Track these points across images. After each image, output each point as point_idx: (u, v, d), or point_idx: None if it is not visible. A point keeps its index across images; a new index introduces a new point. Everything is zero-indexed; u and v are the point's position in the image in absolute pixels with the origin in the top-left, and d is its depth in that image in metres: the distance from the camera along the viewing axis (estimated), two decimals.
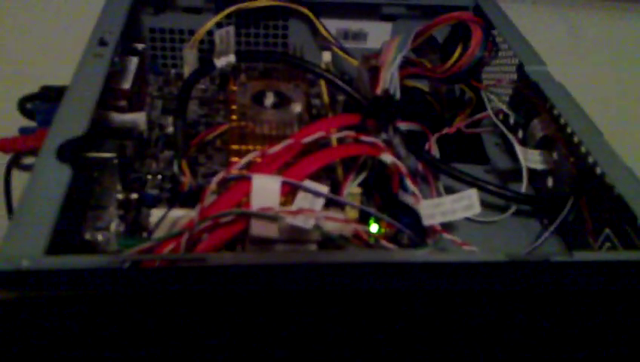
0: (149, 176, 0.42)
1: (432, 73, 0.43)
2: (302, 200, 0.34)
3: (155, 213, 0.36)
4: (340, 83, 0.43)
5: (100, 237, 0.37)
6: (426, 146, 0.43)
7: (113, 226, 0.37)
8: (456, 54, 0.41)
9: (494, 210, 0.41)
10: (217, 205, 0.33)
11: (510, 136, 0.42)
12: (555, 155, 0.40)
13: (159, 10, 0.52)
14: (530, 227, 0.41)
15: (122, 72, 0.44)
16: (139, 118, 0.42)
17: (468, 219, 0.38)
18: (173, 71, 0.54)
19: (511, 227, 0.41)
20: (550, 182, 0.41)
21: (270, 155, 0.35)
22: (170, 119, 0.47)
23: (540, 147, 0.41)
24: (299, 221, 0.33)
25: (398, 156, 0.37)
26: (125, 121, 0.41)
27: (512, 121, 0.46)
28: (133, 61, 0.46)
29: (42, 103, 0.47)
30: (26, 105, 0.47)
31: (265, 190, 0.33)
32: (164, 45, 0.54)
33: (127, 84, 0.43)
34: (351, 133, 0.37)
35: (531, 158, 0.41)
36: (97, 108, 0.37)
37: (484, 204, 0.38)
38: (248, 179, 0.33)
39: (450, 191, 0.42)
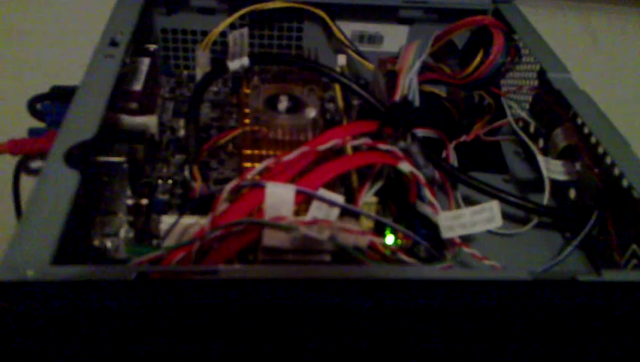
0: (160, 181, 0.41)
1: (452, 79, 0.42)
2: (316, 209, 0.33)
3: (166, 220, 0.35)
4: (355, 88, 0.41)
5: (108, 243, 0.36)
6: (444, 154, 0.42)
7: (122, 232, 0.37)
8: (477, 60, 0.40)
9: (514, 221, 0.40)
10: (229, 213, 0.32)
11: (531, 145, 0.41)
12: (578, 166, 0.39)
13: (172, 11, 0.51)
14: (552, 240, 0.40)
15: (133, 74, 0.43)
16: (150, 121, 0.41)
17: (487, 231, 0.37)
18: (185, 72, 0.53)
19: (532, 240, 0.39)
20: (573, 193, 0.39)
21: (284, 163, 0.34)
22: (181, 122, 0.46)
23: (563, 157, 0.40)
24: (313, 232, 0.32)
25: (416, 165, 0.36)
26: (136, 124, 0.40)
27: (532, 129, 0.44)
28: (145, 62, 0.45)
29: (52, 104, 0.46)
30: (35, 106, 0.46)
31: (278, 198, 0.32)
32: (176, 46, 0.53)
33: (138, 86, 0.42)
34: (368, 141, 0.36)
35: (553, 169, 0.39)
36: (107, 111, 0.36)
37: (504, 216, 0.36)
38: (262, 187, 0.32)
39: (467, 200, 0.41)
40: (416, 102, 0.38)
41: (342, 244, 0.32)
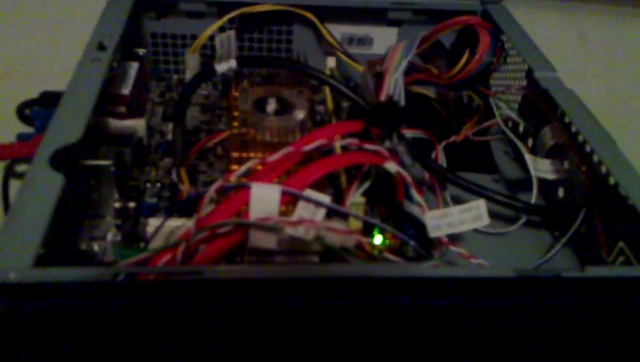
0: (148, 184, 0.41)
1: (439, 79, 0.42)
2: (302, 210, 0.33)
3: (152, 223, 0.35)
4: (343, 89, 0.42)
5: (95, 247, 0.36)
6: (433, 154, 0.42)
7: (110, 236, 0.37)
8: (464, 60, 0.40)
9: (503, 221, 0.40)
10: (215, 215, 0.32)
11: (520, 145, 0.41)
12: (566, 165, 0.39)
13: (161, 15, 0.51)
14: (540, 239, 0.39)
15: (122, 78, 0.43)
16: (138, 125, 0.41)
17: (476, 230, 0.37)
18: (175, 77, 0.53)
19: (520, 239, 0.39)
20: (561, 192, 0.39)
21: (270, 163, 0.34)
22: (171, 126, 0.46)
23: (551, 156, 0.40)
24: (299, 232, 0.32)
25: (403, 165, 0.36)
26: (124, 128, 0.41)
27: (521, 128, 0.44)
28: (134, 66, 0.45)
29: (41, 109, 0.46)
30: (24, 111, 0.46)
31: (264, 199, 0.32)
32: (166, 50, 0.53)
33: (126, 90, 0.42)
34: (354, 141, 0.36)
35: (541, 168, 0.39)
36: (94, 115, 0.36)
37: (493, 215, 0.36)
38: (247, 188, 0.32)
39: (457, 201, 0.41)
40: (402, 102, 0.38)
41: (328, 244, 0.32)
